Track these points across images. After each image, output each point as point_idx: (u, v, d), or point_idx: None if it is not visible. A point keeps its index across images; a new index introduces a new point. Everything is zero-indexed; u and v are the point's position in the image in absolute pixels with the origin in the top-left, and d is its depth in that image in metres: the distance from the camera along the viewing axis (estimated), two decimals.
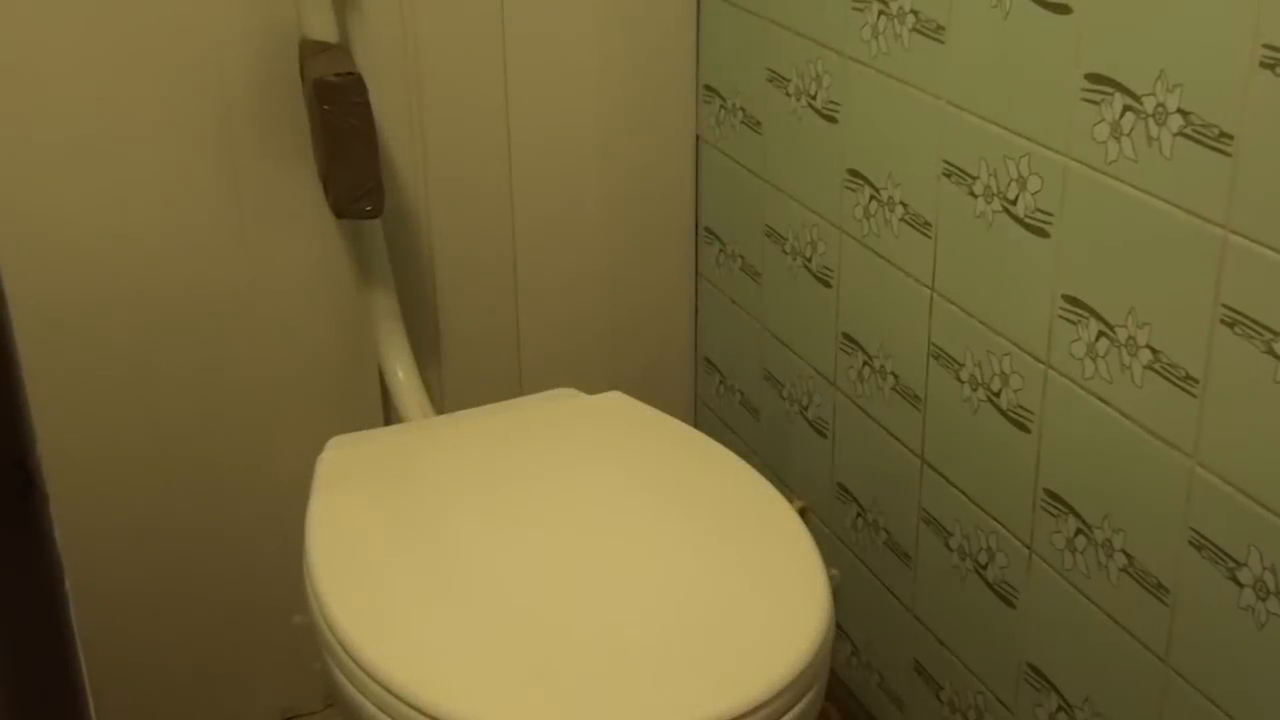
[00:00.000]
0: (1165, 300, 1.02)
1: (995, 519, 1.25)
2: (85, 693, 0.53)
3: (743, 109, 1.57)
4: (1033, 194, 1.13)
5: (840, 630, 1.54)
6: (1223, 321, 0.97)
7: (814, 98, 1.43)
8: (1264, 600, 0.97)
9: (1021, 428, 1.20)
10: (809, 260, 1.49)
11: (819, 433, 1.53)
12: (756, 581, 1.11)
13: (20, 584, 0.51)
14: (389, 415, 1.62)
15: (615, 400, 1.40)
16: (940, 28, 1.21)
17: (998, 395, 1.22)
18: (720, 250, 1.69)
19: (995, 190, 1.18)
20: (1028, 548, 1.21)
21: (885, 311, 1.37)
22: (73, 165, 1.44)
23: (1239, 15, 0.92)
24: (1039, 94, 1.11)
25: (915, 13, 1.24)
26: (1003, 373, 1.21)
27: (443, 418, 1.50)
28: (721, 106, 1.62)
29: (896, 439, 1.39)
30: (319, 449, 1.34)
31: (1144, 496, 1.07)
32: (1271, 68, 0.90)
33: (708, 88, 1.64)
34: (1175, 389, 1.02)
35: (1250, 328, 0.95)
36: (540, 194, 1.64)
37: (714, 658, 1.04)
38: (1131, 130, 1.02)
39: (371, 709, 1.04)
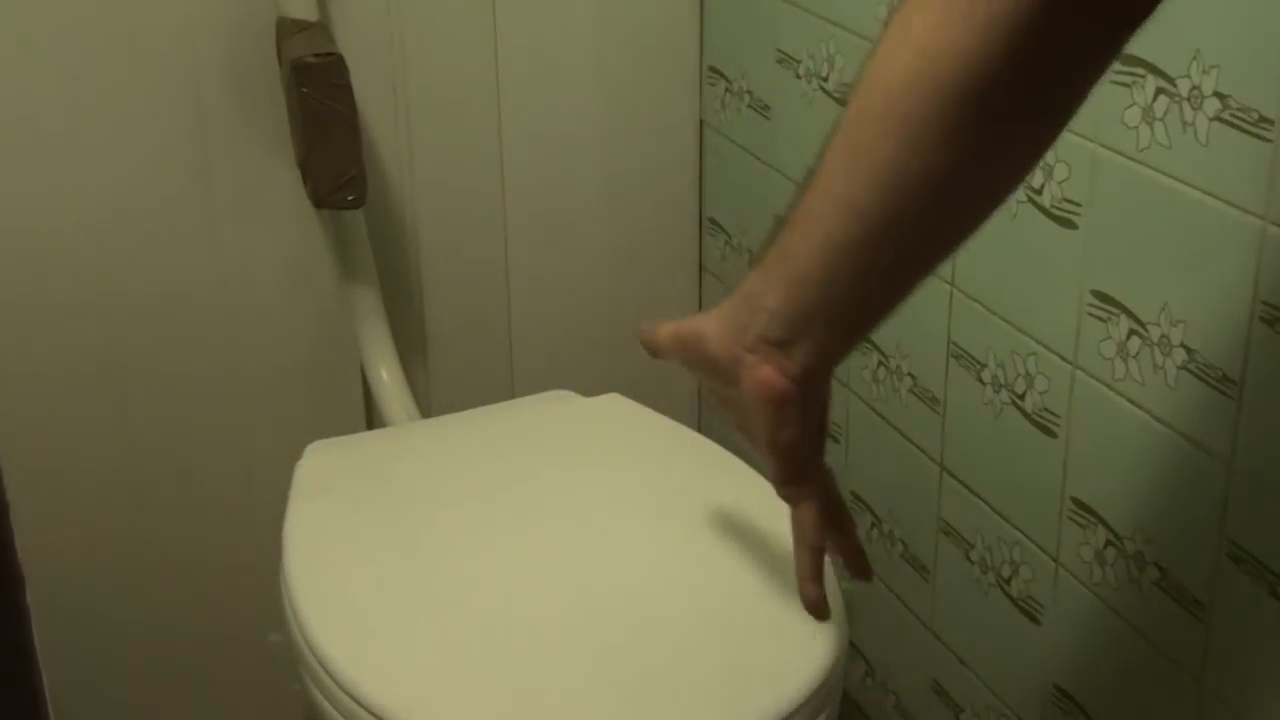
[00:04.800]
0: (1201, 296, 1.02)
1: (1019, 529, 1.25)
2: (47, 712, 0.53)
3: (750, 92, 1.57)
4: (1059, 183, 1.13)
5: (854, 648, 1.54)
6: (1262, 319, 0.97)
7: (826, 80, 1.43)
8: None
9: (1047, 432, 1.20)
10: None
11: (831, 437, 1.53)
12: (764, 597, 1.11)
13: None
14: (372, 419, 1.62)
15: (614, 403, 1.40)
16: None
17: (1022, 397, 1.22)
18: (726, 242, 1.69)
19: None
20: (1054, 560, 1.21)
21: (902, 308, 1.37)
22: (30, 152, 1.44)
23: None
24: None
25: None
26: (1027, 374, 1.21)
27: (429, 421, 1.50)
28: (727, 89, 1.62)
29: (914, 444, 1.39)
30: (297, 454, 1.34)
31: (1178, 506, 1.07)
32: None
33: (712, 69, 1.65)
34: (1211, 391, 1.02)
35: None
36: (533, 183, 1.64)
37: (718, 678, 1.04)
38: (1165, 115, 1.02)
39: None
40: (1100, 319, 1.11)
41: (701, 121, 1.68)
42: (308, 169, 1.41)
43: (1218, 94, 0.97)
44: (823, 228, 0.74)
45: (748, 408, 0.83)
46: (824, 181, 0.74)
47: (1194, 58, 0.98)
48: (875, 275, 0.75)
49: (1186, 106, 1.00)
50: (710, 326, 0.85)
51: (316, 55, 1.35)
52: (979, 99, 0.66)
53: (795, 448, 0.84)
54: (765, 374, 0.80)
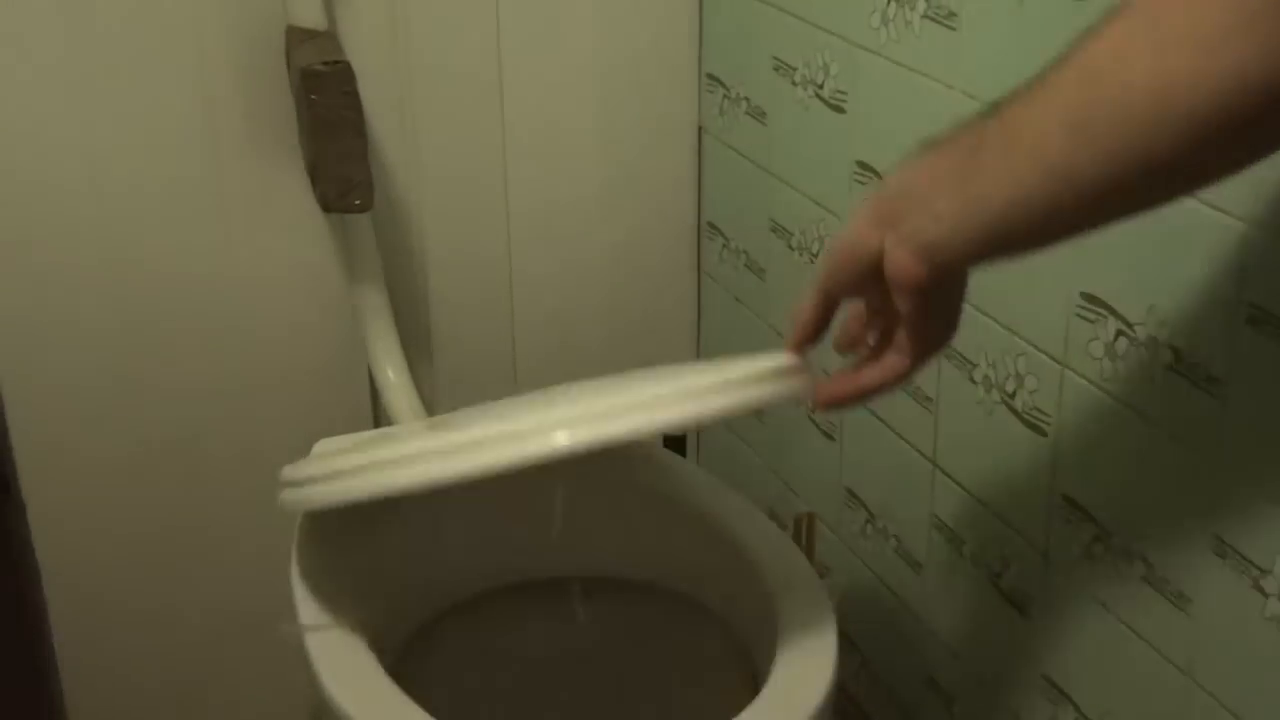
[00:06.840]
0: (1187, 298, 1.02)
1: (1010, 525, 1.26)
2: (61, 704, 0.54)
3: (747, 98, 1.58)
4: None
5: (849, 642, 1.54)
6: (1248, 321, 0.97)
7: (821, 87, 1.43)
8: None
9: (1037, 431, 1.20)
10: (815, 256, 1.49)
11: (826, 436, 1.54)
12: None
13: None
14: (378, 417, 1.63)
15: None
16: (952, 14, 1.21)
17: (1013, 397, 1.22)
18: (724, 246, 1.69)
19: None
20: (1043, 555, 1.22)
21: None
22: (41, 157, 1.44)
23: None
24: None
25: None
26: (1018, 373, 1.21)
27: (434, 419, 1.50)
28: (725, 96, 1.62)
29: (907, 442, 1.39)
30: (305, 452, 1.34)
31: (1165, 502, 1.07)
32: None
33: (710, 76, 1.65)
34: (1197, 390, 1.02)
35: (1277, 327, 0.95)
36: (536, 187, 1.64)
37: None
38: None
39: None
40: (1089, 320, 1.12)
41: (700, 128, 1.69)
42: (316, 174, 1.42)
43: None
44: (1018, 179, 0.75)
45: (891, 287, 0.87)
46: (1029, 138, 0.74)
47: None
48: (1057, 226, 0.77)
49: None
50: (856, 227, 0.87)
51: (326, 63, 1.36)
52: (1226, 126, 0.65)
53: (921, 322, 0.90)
54: (902, 258, 0.84)
